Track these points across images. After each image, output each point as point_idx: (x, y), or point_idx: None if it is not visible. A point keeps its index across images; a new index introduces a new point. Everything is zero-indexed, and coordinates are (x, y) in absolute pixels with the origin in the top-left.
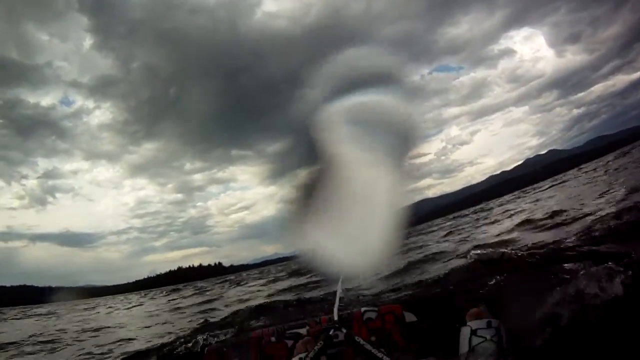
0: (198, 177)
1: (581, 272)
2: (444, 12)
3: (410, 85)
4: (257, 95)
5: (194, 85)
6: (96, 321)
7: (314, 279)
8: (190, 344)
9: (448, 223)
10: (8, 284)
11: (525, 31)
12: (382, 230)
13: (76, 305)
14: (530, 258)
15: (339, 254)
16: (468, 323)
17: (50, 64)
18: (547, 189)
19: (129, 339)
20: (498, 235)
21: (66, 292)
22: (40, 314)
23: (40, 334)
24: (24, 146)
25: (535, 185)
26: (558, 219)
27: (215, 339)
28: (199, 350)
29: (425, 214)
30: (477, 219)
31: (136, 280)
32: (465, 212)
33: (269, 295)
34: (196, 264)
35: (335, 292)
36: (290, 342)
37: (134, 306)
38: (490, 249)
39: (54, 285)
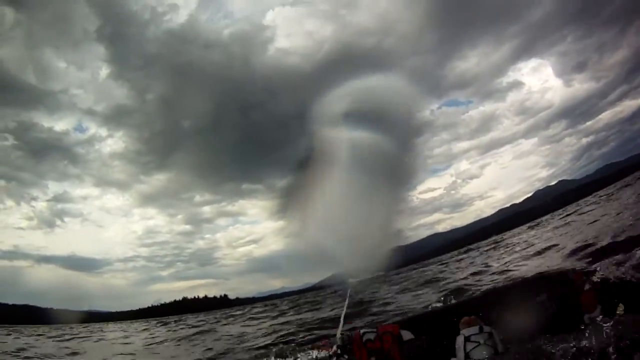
0: (207, 210)
1: None
2: (453, 47)
3: (414, 123)
4: (269, 131)
5: (207, 119)
6: None
7: (319, 315)
8: None
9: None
10: (11, 302)
11: (533, 62)
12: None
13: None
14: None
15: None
16: (462, 331)
17: (66, 91)
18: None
19: None
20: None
21: (69, 315)
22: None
23: None
24: (36, 169)
25: (543, 218)
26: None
27: None
28: None
29: (435, 248)
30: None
31: (140, 309)
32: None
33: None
34: (202, 295)
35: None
36: None
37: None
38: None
39: (56, 308)
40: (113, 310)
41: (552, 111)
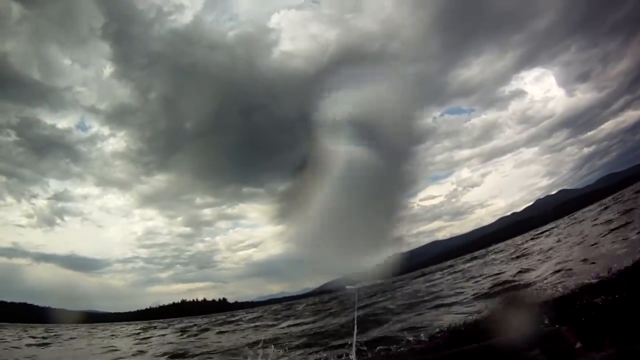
0: (208, 212)
1: None
2: (457, 54)
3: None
4: (270, 134)
5: (209, 121)
6: None
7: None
8: None
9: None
10: (9, 300)
11: (536, 71)
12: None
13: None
14: None
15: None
16: None
17: (70, 88)
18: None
19: None
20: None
21: (66, 314)
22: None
23: None
24: (37, 166)
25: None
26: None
27: None
28: None
29: (435, 256)
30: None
31: (138, 310)
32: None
33: None
34: (200, 298)
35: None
36: None
37: None
38: None
39: (54, 307)
40: (111, 311)
41: (554, 120)
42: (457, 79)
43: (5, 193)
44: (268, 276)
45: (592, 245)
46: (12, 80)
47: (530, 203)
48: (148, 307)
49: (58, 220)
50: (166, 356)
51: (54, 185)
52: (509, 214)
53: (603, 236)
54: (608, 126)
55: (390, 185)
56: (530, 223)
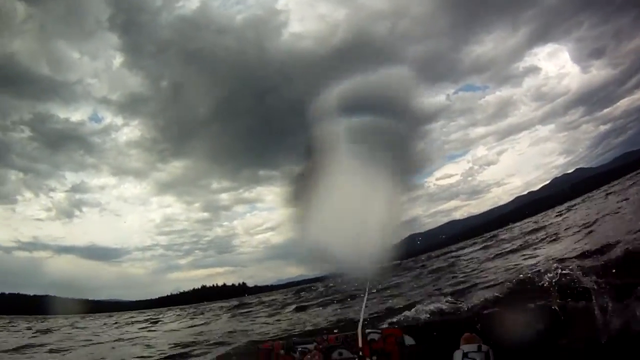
0: (225, 197)
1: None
2: (468, 31)
3: (425, 109)
4: (284, 116)
5: (222, 106)
6: None
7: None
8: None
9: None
10: (31, 293)
11: (549, 47)
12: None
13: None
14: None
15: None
16: (461, 347)
17: (80, 81)
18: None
19: None
20: None
21: (88, 304)
22: None
23: None
24: (52, 159)
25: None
26: None
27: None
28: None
29: (453, 235)
30: None
31: (159, 297)
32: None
33: None
34: (220, 283)
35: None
36: (298, 357)
37: None
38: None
39: (76, 297)
40: (132, 299)
41: (569, 97)
42: (469, 56)
43: (23, 188)
44: (286, 259)
45: None
46: (23, 77)
47: (547, 182)
48: (169, 294)
49: (76, 212)
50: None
51: (71, 177)
52: (525, 192)
53: None
54: (624, 103)
55: (403, 164)
56: (548, 202)
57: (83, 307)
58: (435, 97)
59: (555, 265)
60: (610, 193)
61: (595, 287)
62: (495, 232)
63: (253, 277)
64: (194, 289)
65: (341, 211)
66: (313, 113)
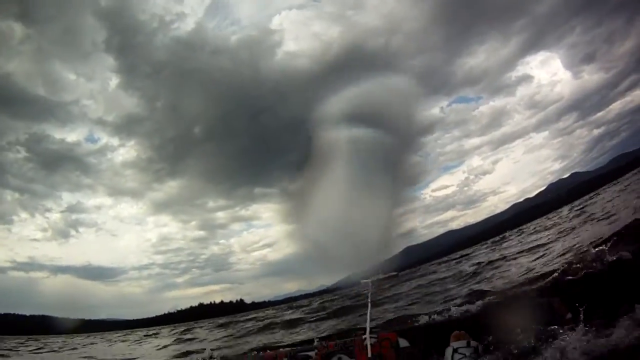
0: (221, 215)
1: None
2: (461, 43)
3: (420, 122)
4: (279, 134)
5: (217, 125)
6: None
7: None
8: None
9: None
10: (28, 313)
11: (541, 55)
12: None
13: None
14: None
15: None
16: (451, 343)
17: (76, 102)
18: None
19: None
20: None
21: (85, 324)
22: None
23: None
24: (48, 180)
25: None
26: None
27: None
28: None
29: (450, 246)
30: None
31: (156, 315)
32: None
33: None
34: (218, 300)
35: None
36: None
37: None
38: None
39: (73, 317)
40: (130, 318)
41: (562, 104)
42: (462, 68)
43: (19, 209)
44: (284, 275)
45: None
46: (19, 98)
47: (543, 188)
48: (166, 312)
49: (72, 232)
50: None
51: (67, 198)
52: (521, 200)
53: None
54: (616, 107)
55: (398, 178)
56: (545, 208)
57: (80, 326)
58: (429, 110)
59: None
60: None
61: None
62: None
63: (250, 293)
64: (191, 307)
65: (337, 225)
66: (308, 129)
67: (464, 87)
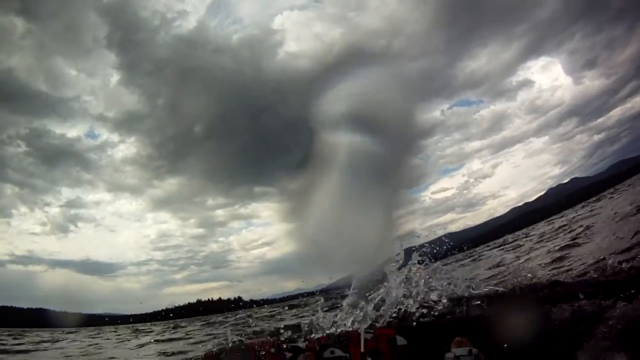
0: (220, 213)
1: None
2: (462, 46)
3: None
4: (279, 133)
5: (217, 124)
6: None
7: None
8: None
9: None
10: (26, 307)
11: (542, 60)
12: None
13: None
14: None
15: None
16: (452, 350)
17: (77, 98)
18: None
19: None
20: None
21: (82, 318)
22: None
23: None
24: (48, 175)
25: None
26: None
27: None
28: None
29: (449, 249)
30: None
31: (154, 311)
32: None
33: None
34: (216, 297)
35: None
36: (289, 355)
37: None
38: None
39: (70, 311)
40: (127, 313)
41: (563, 109)
42: (464, 71)
43: (18, 203)
44: (282, 273)
45: None
46: (20, 93)
47: (542, 192)
48: (164, 308)
49: (72, 227)
50: None
51: (66, 193)
52: (521, 204)
53: None
54: (617, 113)
55: (398, 180)
56: (544, 212)
57: (77, 320)
58: (430, 113)
59: None
60: None
61: None
62: None
63: (249, 291)
64: (189, 303)
65: (336, 226)
66: (309, 130)
67: (465, 91)
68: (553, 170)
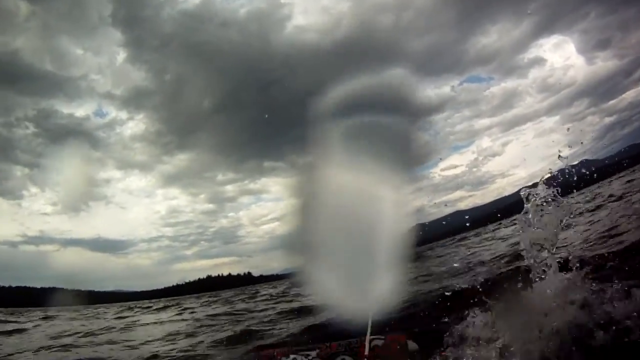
0: (230, 188)
1: None
2: (473, 22)
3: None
4: (288, 107)
5: (226, 98)
6: None
7: None
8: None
9: None
10: (39, 286)
11: (554, 39)
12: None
13: None
14: None
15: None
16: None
17: (84, 77)
18: None
19: None
20: None
21: (94, 296)
22: None
23: None
24: (57, 154)
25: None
26: None
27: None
28: None
29: (457, 226)
30: None
31: (165, 287)
32: None
33: None
34: (225, 272)
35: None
36: None
37: None
38: None
39: (83, 289)
40: (138, 289)
41: (575, 89)
42: (475, 47)
43: (29, 184)
44: (292, 249)
45: None
46: (26, 74)
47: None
48: (175, 285)
49: (82, 206)
50: None
51: None
52: (530, 184)
53: None
54: (629, 95)
55: (405, 156)
56: None
57: (90, 298)
58: (440, 89)
59: None
60: None
61: None
62: None
63: (259, 266)
64: (199, 279)
65: (343, 204)
66: (317, 105)
67: (476, 67)
68: (563, 151)
